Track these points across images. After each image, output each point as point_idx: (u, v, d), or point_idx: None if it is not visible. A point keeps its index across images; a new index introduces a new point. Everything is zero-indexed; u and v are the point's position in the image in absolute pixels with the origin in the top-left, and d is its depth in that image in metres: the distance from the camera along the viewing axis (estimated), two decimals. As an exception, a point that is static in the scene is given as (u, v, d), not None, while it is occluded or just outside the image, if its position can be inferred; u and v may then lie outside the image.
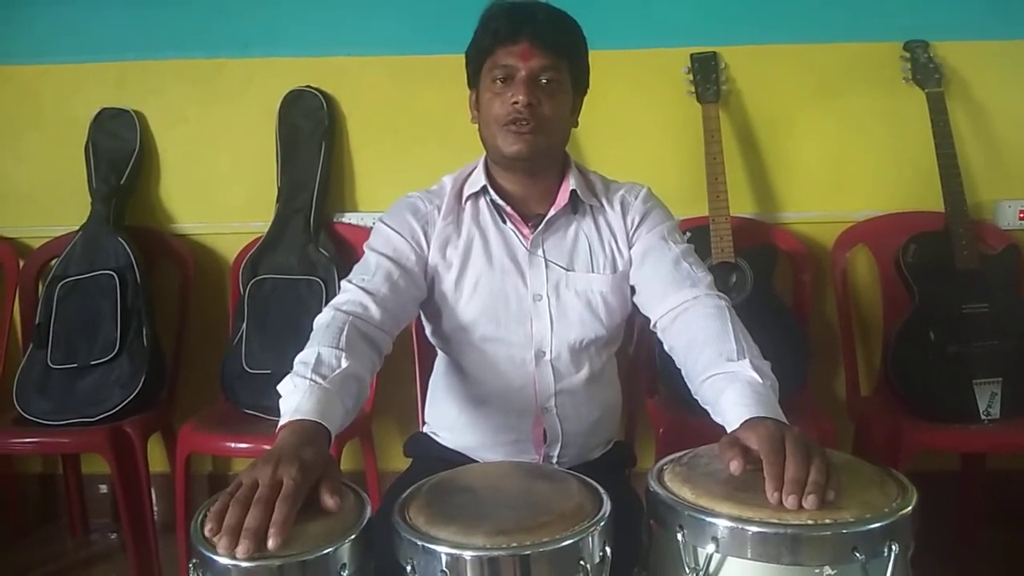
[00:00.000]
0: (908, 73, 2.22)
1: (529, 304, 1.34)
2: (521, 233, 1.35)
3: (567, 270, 1.34)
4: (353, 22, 2.33)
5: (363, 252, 1.36)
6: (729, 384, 1.08)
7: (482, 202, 1.37)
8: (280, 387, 1.07)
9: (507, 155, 1.29)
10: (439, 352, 1.47)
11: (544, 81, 1.26)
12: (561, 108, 1.29)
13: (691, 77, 2.24)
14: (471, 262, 1.34)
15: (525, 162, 1.30)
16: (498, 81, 1.27)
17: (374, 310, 1.24)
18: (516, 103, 1.24)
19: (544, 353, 1.34)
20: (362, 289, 1.26)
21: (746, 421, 0.99)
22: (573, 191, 1.35)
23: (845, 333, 2.26)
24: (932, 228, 2.12)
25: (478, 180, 1.36)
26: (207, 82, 2.38)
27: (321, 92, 2.35)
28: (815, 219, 2.33)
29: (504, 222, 1.36)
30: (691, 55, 2.25)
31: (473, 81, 1.35)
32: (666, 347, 1.29)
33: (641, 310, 1.36)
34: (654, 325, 1.31)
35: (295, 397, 1.04)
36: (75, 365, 2.16)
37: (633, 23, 2.27)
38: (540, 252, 1.35)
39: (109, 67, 2.39)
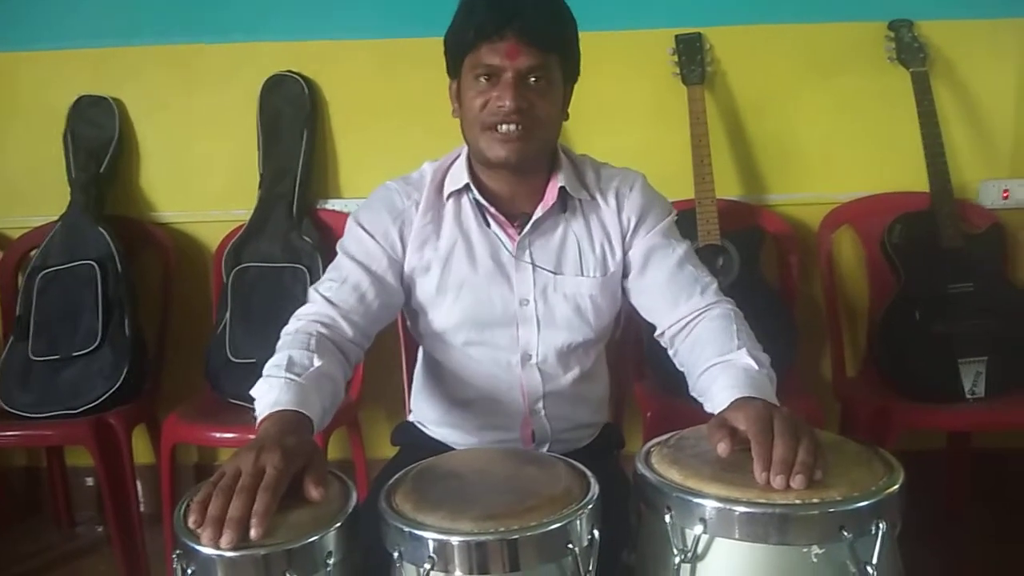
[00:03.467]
0: (893, 52, 2.21)
1: (515, 308, 1.28)
2: (507, 234, 1.28)
3: (555, 273, 1.28)
4: (335, 5, 2.30)
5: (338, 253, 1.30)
6: (723, 372, 1.08)
7: (464, 200, 1.29)
8: (254, 391, 1.04)
9: (492, 160, 1.21)
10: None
11: (533, 80, 1.17)
12: (551, 107, 1.21)
13: (676, 59, 2.22)
14: (453, 266, 1.27)
15: (512, 166, 1.22)
16: (482, 79, 1.18)
17: (341, 324, 1.20)
18: (502, 107, 1.16)
19: (530, 356, 1.30)
20: (329, 302, 1.21)
21: (734, 401, 0.99)
22: (562, 188, 1.27)
23: (831, 314, 2.26)
24: (917, 208, 2.12)
25: (460, 177, 1.27)
26: (187, 68, 2.34)
27: (303, 77, 2.32)
28: (801, 201, 2.32)
29: (488, 225, 1.28)
30: (675, 36, 2.23)
31: (453, 72, 1.25)
32: (671, 352, 1.27)
33: (644, 315, 1.31)
34: (660, 334, 1.29)
35: (271, 394, 1.02)
36: (57, 357, 2.14)
37: (617, 4, 2.25)
38: (527, 256, 1.28)
39: (87, 53, 2.34)
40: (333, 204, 2.36)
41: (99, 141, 2.33)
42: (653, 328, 1.30)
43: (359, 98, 2.35)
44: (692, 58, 2.20)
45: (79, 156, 2.31)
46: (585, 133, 2.20)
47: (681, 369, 1.22)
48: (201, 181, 2.39)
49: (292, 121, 2.31)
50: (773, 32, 2.28)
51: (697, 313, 1.23)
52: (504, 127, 1.17)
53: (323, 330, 1.17)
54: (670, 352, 1.28)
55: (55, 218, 2.28)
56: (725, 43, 2.28)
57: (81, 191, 2.28)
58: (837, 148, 2.31)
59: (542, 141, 1.23)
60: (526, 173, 1.26)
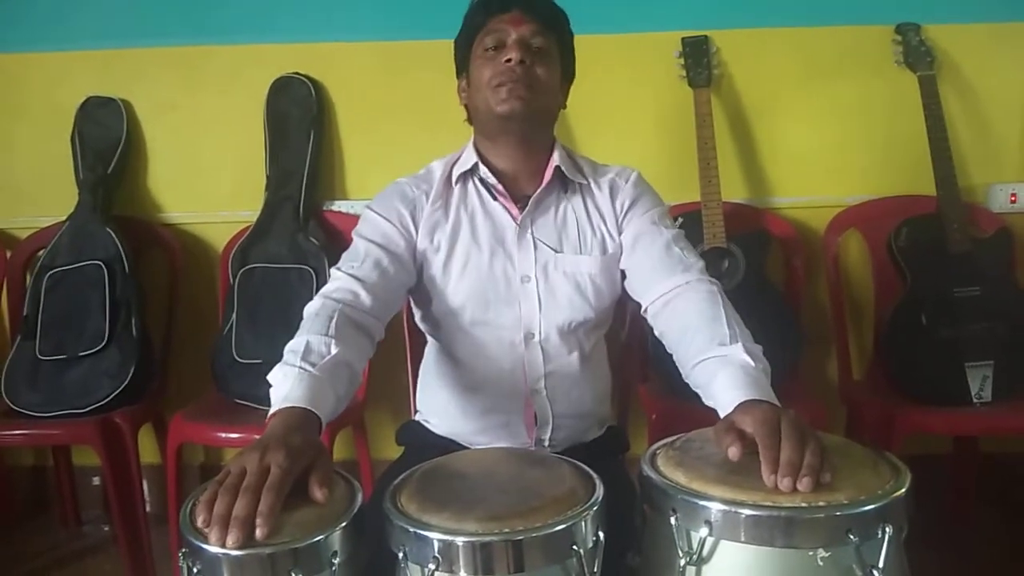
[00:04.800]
0: (900, 56, 2.21)
1: (517, 286, 1.33)
2: (510, 213, 1.34)
3: (556, 251, 1.34)
4: (342, 7, 2.31)
5: (353, 240, 1.35)
6: (721, 368, 1.07)
7: (471, 184, 1.37)
8: (270, 376, 1.07)
9: (500, 114, 1.28)
10: (429, 338, 1.46)
11: (535, 46, 1.28)
12: (552, 74, 1.30)
13: (682, 61, 2.22)
14: (459, 244, 1.33)
15: (518, 122, 1.29)
16: (490, 49, 1.28)
17: (364, 297, 1.23)
18: (509, 61, 1.25)
19: (533, 335, 1.34)
20: (351, 276, 1.26)
21: (740, 404, 0.98)
22: (557, 167, 1.34)
23: (837, 317, 2.25)
24: (924, 212, 2.12)
25: (469, 159, 1.36)
26: (194, 69, 2.35)
27: (310, 79, 2.33)
28: (807, 204, 2.32)
29: (494, 199, 1.35)
30: (682, 39, 2.24)
31: (462, 66, 1.35)
32: (657, 332, 1.28)
33: (632, 295, 1.35)
34: (645, 311, 1.31)
35: (284, 385, 1.03)
36: (64, 356, 2.14)
37: (624, 7, 2.25)
38: (529, 232, 1.34)
39: (95, 55, 2.36)
40: (339, 205, 2.36)
41: (107, 142, 2.34)
42: (639, 307, 1.33)
43: (366, 100, 2.35)
44: (699, 61, 2.20)
45: (87, 157, 2.33)
46: (592, 135, 2.20)
47: (670, 351, 1.23)
48: (208, 182, 2.40)
49: (299, 123, 2.31)
50: (780, 35, 2.28)
51: (678, 288, 1.25)
52: (511, 84, 1.26)
53: (345, 308, 1.20)
54: (656, 332, 1.28)
55: (63, 218, 2.29)
56: (731, 46, 2.28)
57: (89, 192, 2.28)
58: (844, 151, 2.31)
59: (543, 102, 1.31)
60: (528, 142, 1.34)
